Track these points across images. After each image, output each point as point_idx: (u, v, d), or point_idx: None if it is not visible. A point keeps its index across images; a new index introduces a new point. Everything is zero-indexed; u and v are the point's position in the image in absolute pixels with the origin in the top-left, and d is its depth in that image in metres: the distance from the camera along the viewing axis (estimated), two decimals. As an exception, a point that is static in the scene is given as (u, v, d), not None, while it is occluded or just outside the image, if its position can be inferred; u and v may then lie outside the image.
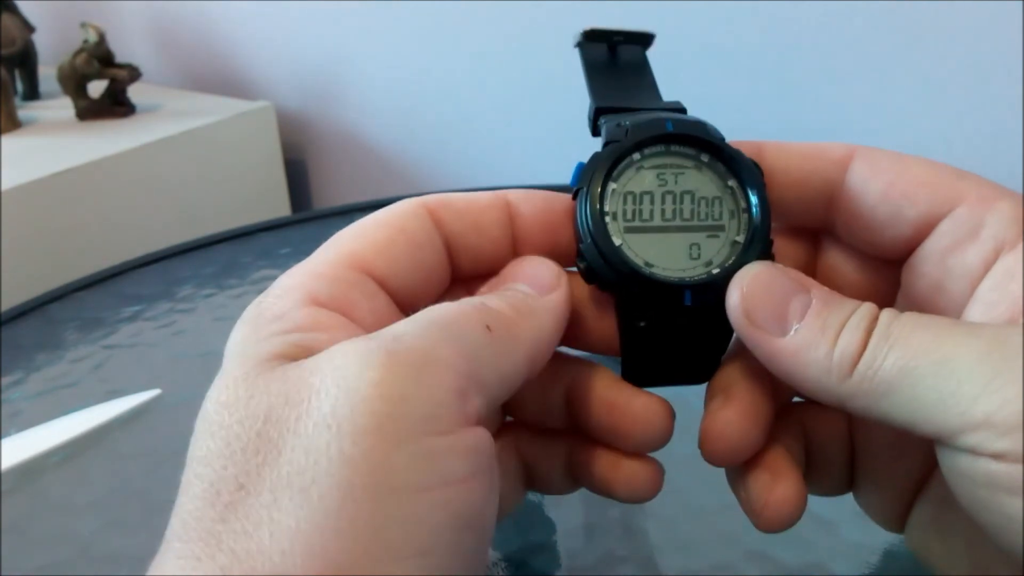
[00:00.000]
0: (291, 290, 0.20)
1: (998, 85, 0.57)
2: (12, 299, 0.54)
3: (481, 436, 0.18)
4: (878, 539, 0.30)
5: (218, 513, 0.16)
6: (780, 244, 0.22)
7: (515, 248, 0.23)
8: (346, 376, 0.17)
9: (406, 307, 0.21)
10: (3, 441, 0.39)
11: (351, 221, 0.22)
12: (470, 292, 0.23)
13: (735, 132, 0.23)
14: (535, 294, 0.21)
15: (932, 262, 0.20)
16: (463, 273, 0.23)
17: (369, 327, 0.19)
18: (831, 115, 0.65)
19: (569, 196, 0.22)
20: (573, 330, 0.22)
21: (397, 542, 0.16)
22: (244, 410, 0.17)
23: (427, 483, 0.16)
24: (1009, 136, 0.57)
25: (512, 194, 0.23)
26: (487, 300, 0.20)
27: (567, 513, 0.33)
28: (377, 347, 0.17)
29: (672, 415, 0.22)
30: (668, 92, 0.25)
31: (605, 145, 0.22)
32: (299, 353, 0.18)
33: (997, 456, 0.16)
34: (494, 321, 0.19)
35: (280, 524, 0.15)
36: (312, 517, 0.15)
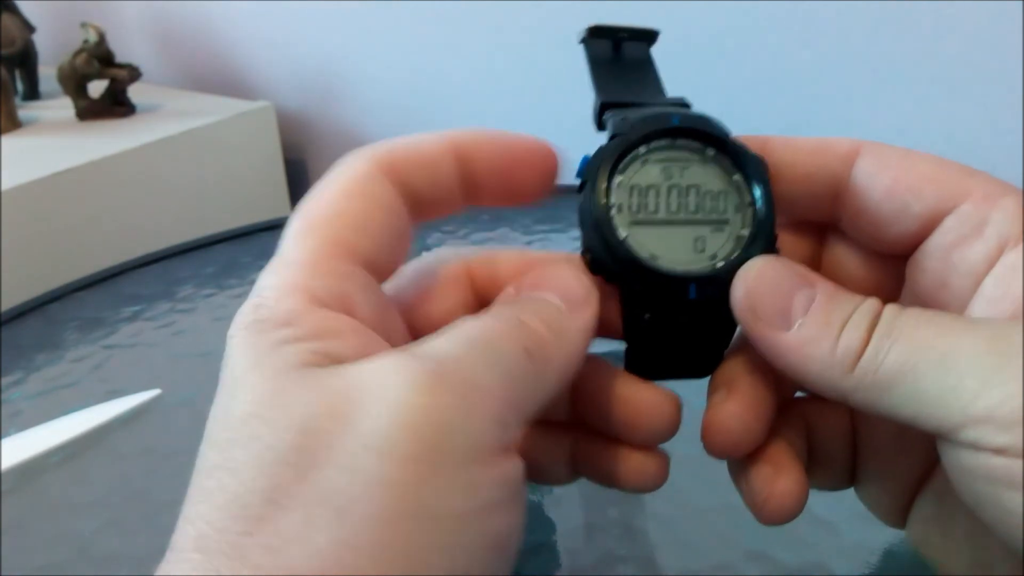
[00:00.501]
0: (290, 291, 0.19)
1: (998, 85, 0.57)
2: (12, 299, 0.54)
3: (517, 464, 0.18)
4: (878, 539, 0.30)
5: (244, 526, 0.15)
6: (785, 239, 0.22)
7: (469, 193, 0.22)
8: (392, 398, 0.16)
9: (379, 273, 0.21)
10: (3, 441, 0.39)
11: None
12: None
13: (739, 129, 0.23)
14: (566, 310, 0.21)
15: (936, 258, 0.20)
16: (414, 221, 0.22)
17: (370, 322, 0.19)
18: (834, 113, 0.65)
19: (524, 137, 0.23)
20: None
21: (430, 566, 0.15)
22: (278, 422, 0.16)
23: (465, 510, 0.16)
24: (1009, 136, 0.57)
25: (462, 138, 0.22)
26: (523, 315, 0.20)
27: (567, 513, 0.33)
28: (423, 369, 0.17)
29: (679, 407, 0.22)
30: (672, 89, 0.25)
31: (611, 139, 0.22)
32: (321, 361, 0.18)
33: (998, 451, 0.16)
34: (533, 344, 0.19)
35: (312, 542, 0.15)
36: (346, 538, 0.15)
